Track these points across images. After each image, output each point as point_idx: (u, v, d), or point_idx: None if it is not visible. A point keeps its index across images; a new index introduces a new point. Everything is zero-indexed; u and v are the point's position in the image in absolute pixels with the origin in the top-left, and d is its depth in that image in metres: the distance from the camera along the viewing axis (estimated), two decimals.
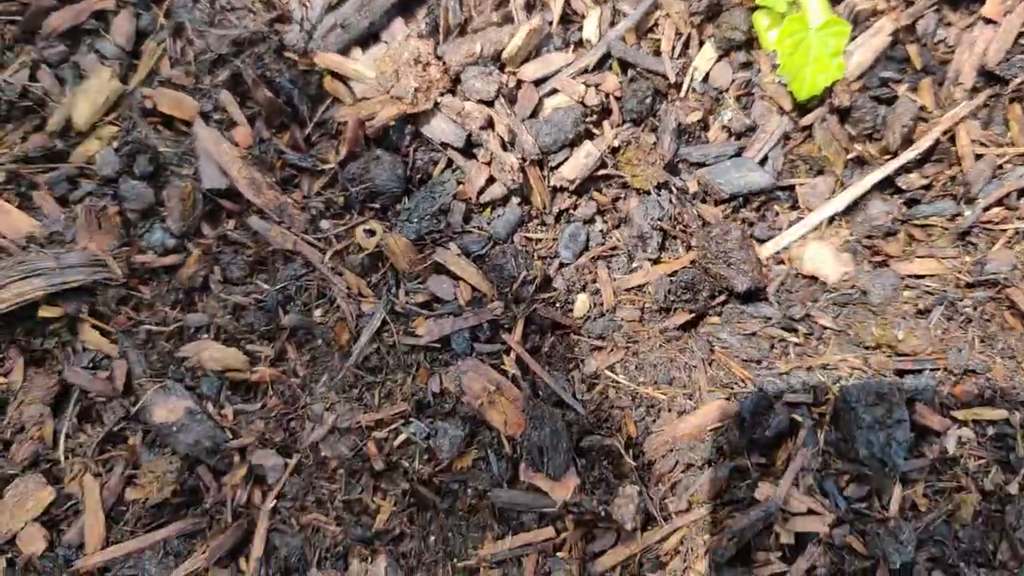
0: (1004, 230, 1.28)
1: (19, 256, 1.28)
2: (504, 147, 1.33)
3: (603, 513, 1.18)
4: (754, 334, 1.28)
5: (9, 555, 1.22)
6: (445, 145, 1.34)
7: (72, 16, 1.41)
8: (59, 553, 1.21)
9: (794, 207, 1.36)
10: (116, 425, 1.27)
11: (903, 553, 1.14)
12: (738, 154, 1.36)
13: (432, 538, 1.25)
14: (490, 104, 1.34)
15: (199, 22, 1.41)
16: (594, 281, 1.33)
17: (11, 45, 1.43)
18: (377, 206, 1.33)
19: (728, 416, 1.21)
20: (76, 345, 1.30)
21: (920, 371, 1.23)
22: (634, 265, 1.33)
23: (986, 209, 1.28)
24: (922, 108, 1.32)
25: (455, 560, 1.23)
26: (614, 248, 1.34)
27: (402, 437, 1.24)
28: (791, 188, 1.36)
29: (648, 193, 1.33)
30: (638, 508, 1.17)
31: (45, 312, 1.28)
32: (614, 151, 1.36)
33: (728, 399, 1.23)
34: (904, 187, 1.32)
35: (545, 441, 1.18)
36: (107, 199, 1.33)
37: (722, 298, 1.30)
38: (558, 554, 1.21)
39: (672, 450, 1.21)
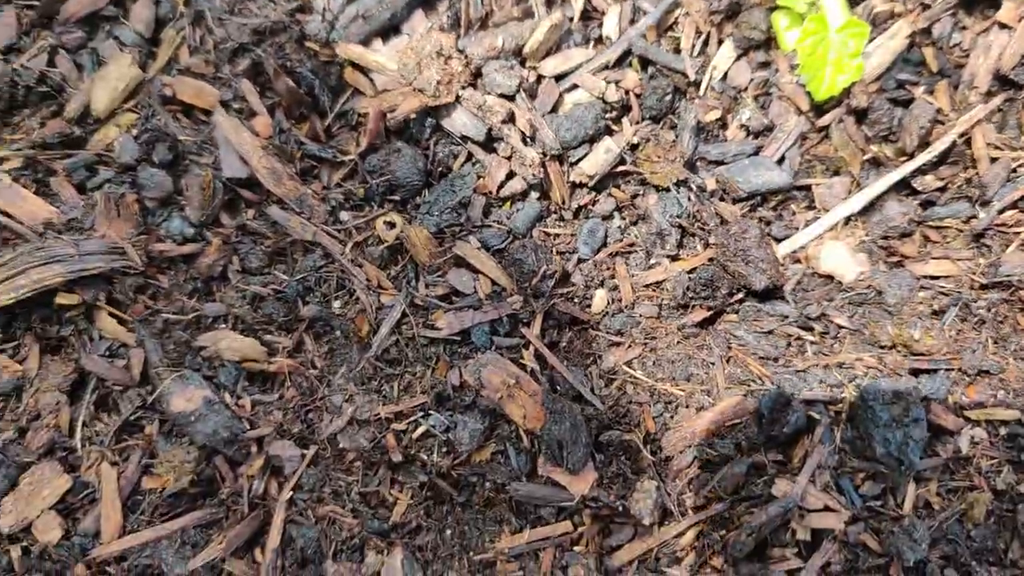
0: (1018, 232, 1.29)
1: (37, 242, 1.28)
2: (525, 142, 1.33)
3: (621, 508, 1.19)
4: (771, 332, 1.29)
5: (24, 543, 1.21)
6: (465, 138, 1.35)
7: (91, 2, 1.41)
8: (75, 541, 1.21)
9: (811, 207, 1.37)
10: (133, 414, 1.27)
11: (917, 551, 1.15)
12: (756, 153, 1.37)
13: (448, 531, 1.25)
14: (511, 98, 1.34)
15: (219, 10, 1.40)
16: (612, 277, 1.34)
17: (28, 30, 1.42)
18: (397, 198, 1.33)
19: (746, 413, 1.22)
20: (93, 333, 1.30)
21: (935, 371, 1.24)
22: (652, 262, 1.34)
23: (1001, 212, 1.30)
24: (938, 111, 1.33)
25: (471, 553, 1.23)
26: (632, 244, 1.35)
27: (421, 429, 1.24)
28: (808, 188, 1.37)
29: (667, 190, 1.34)
30: (656, 503, 1.18)
31: (62, 299, 1.27)
32: (633, 148, 1.36)
33: (745, 396, 1.24)
34: (920, 189, 1.33)
35: (565, 435, 1.18)
36: (126, 187, 1.33)
37: (740, 296, 1.31)
38: (575, 548, 1.22)
39: (690, 446, 1.22)
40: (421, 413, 1.25)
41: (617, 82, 1.36)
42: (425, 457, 1.23)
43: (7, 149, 1.35)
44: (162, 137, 1.34)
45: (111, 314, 1.30)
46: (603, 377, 1.28)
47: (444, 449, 1.23)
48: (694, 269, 1.31)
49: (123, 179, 1.34)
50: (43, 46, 1.40)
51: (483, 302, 1.28)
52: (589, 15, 1.41)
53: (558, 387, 1.26)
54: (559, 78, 1.38)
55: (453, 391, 1.25)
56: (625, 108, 1.37)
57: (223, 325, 1.31)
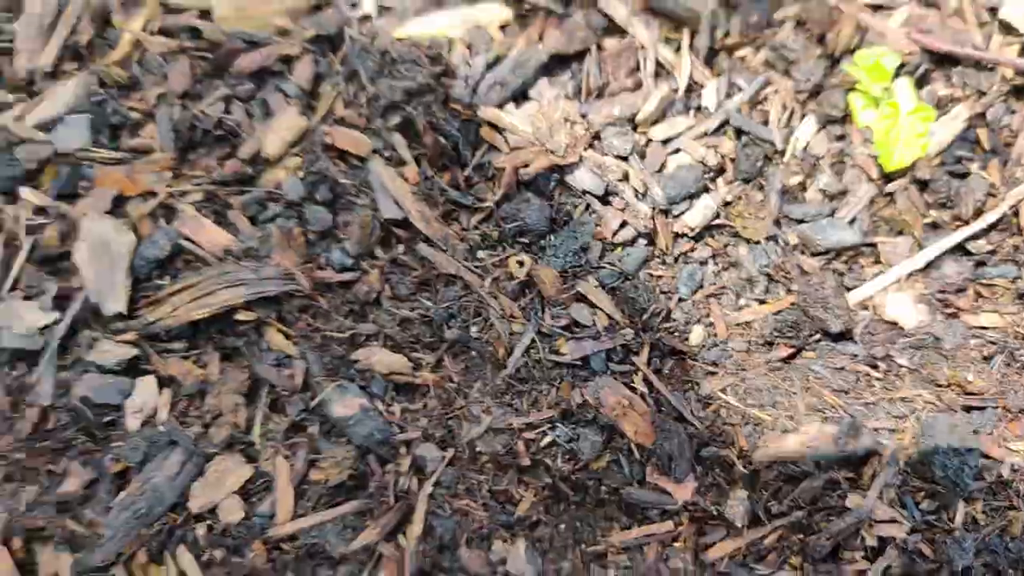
0: None
1: (219, 267, 1.50)
2: (637, 197, 1.56)
3: (716, 512, 1.41)
4: (843, 368, 1.51)
5: (209, 522, 1.43)
6: (586, 192, 1.57)
7: (261, 58, 1.63)
8: (254, 522, 1.42)
9: (877, 262, 1.59)
10: (298, 416, 1.48)
11: (964, 559, 1.37)
12: (832, 214, 1.59)
13: (563, 526, 1.47)
14: (625, 159, 1.57)
15: (370, 70, 1.63)
16: (708, 315, 1.56)
17: (200, 79, 1.65)
18: (526, 241, 1.55)
19: (824, 437, 1.43)
20: (262, 345, 1.51)
21: (984, 408, 1.46)
22: (742, 303, 1.56)
23: None
24: (991, 185, 1.55)
25: (584, 545, 1.45)
26: (724, 288, 1.57)
27: (548, 439, 1.46)
28: (875, 245, 1.59)
29: (757, 243, 1.57)
30: (746, 509, 1.40)
31: (240, 316, 1.49)
32: (727, 204, 1.59)
33: (823, 422, 1.46)
34: (973, 251, 1.55)
35: (674, 450, 1.40)
36: (293, 221, 1.55)
37: (817, 336, 1.53)
38: (675, 544, 1.43)
39: (776, 462, 1.44)
40: (548, 425, 1.46)
41: (715, 148, 1.59)
42: (550, 462, 1.45)
43: (189, 184, 1.58)
44: (324, 179, 1.56)
45: (279, 330, 1.51)
46: (700, 401, 1.50)
47: (567, 457, 1.45)
48: (779, 311, 1.54)
49: (290, 214, 1.56)
50: (218, 95, 1.63)
51: (600, 333, 1.50)
52: (691, 88, 1.64)
53: (663, 408, 1.48)
54: (665, 142, 1.61)
55: (576, 408, 1.46)
56: (721, 170, 1.60)
57: (375, 343, 1.53)
